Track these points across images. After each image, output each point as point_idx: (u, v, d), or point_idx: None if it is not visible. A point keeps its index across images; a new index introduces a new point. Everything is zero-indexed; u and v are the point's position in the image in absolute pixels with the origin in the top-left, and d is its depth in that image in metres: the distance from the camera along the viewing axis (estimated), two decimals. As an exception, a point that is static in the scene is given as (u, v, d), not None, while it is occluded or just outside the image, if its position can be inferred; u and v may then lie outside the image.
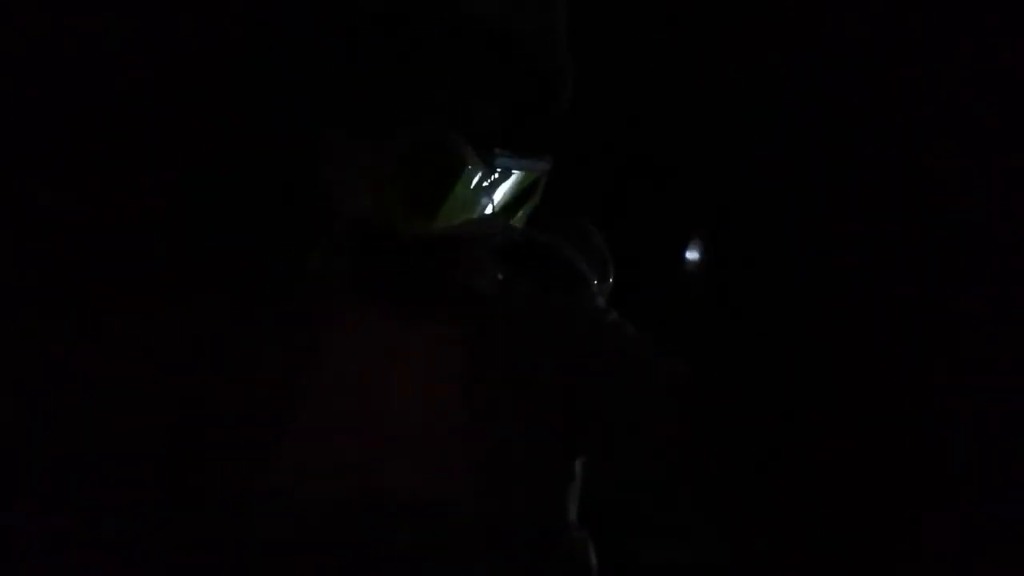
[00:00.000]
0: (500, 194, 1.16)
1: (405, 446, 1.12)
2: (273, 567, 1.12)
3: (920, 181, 1.39)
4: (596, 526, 1.17)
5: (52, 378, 1.12)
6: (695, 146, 1.48)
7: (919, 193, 1.40)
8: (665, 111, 1.50)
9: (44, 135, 1.42)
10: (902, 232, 1.39)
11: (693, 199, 1.49)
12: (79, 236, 1.39)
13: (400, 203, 1.11)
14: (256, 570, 1.12)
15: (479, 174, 1.13)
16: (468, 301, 1.18)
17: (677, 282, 1.42)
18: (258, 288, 1.21)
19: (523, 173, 1.18)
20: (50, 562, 1.17)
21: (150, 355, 1.16)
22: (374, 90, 1.16)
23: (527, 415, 1.13)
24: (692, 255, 1.47)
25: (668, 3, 1.52)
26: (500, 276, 1.20)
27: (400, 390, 1.14)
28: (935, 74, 1.39)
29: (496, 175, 1.15)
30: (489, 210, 1.15)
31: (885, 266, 1.37)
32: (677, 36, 1.49)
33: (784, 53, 1.47)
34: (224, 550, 1.13)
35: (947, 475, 1.26)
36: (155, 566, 1.16)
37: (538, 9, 1.20)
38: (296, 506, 1.10)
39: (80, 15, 1.40)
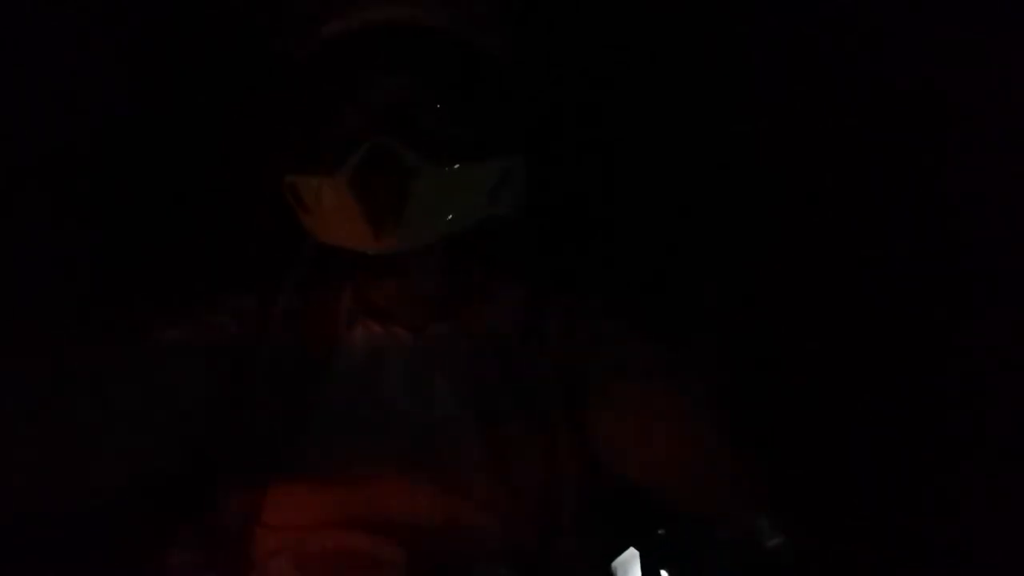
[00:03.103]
0: (467, 193, 1.15)
1: (418, 452, 1.11)
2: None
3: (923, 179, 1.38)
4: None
5: (73, 378, 1.11)
6: (685, 139, 1.46)
7: (922, 191, 1.39)
8: (646, 99, 1.48)
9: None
10: (906, 232, 1.38)
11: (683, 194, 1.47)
12: (109, 245, 1.42)
13: (364, 222, 1.11)
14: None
15: (436, 177, 1.12)
16: (469, 306, 1.19)
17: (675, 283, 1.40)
18: (270, 307, 1.22)
19: (490, 170, 1.17)
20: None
21: (166, 363, 1.16)
22: (327, 116, 1.15)
23: (532, 415, 1.13)
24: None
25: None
26: (485, 274, 1.21)
27: (411, 396, 1.14)
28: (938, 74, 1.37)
29: (458, 176, 1.14)
30: (459, 210, 1.15)
31: (888, 265, 1.37)
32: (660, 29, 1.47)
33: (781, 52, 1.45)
34: (238, 557, 1.11)
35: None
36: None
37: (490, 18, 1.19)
38: (313, 512, 1.10)
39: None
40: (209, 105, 1.46)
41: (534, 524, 1.11)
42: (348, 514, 1.09)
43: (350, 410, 1.15)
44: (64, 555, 1.18)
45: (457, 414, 1.14)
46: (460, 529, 1.09)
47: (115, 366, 1.13)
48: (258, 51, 1.34)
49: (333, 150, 1.14)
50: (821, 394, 1.32)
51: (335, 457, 1.12)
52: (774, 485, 1.23)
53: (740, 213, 1.43)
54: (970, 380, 1.30)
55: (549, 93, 1.39)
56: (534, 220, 1.26)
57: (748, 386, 1.27)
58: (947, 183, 1.36)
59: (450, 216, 1.15)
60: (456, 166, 1.15)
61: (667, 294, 1.41)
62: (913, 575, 1.21)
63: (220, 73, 1.45)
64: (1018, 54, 1.32)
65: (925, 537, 1.24)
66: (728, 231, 1.43)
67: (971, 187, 1.35)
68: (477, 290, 1.24)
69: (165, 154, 1.45)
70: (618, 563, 0.81)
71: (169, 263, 1.42)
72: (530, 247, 1.29)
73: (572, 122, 1.48)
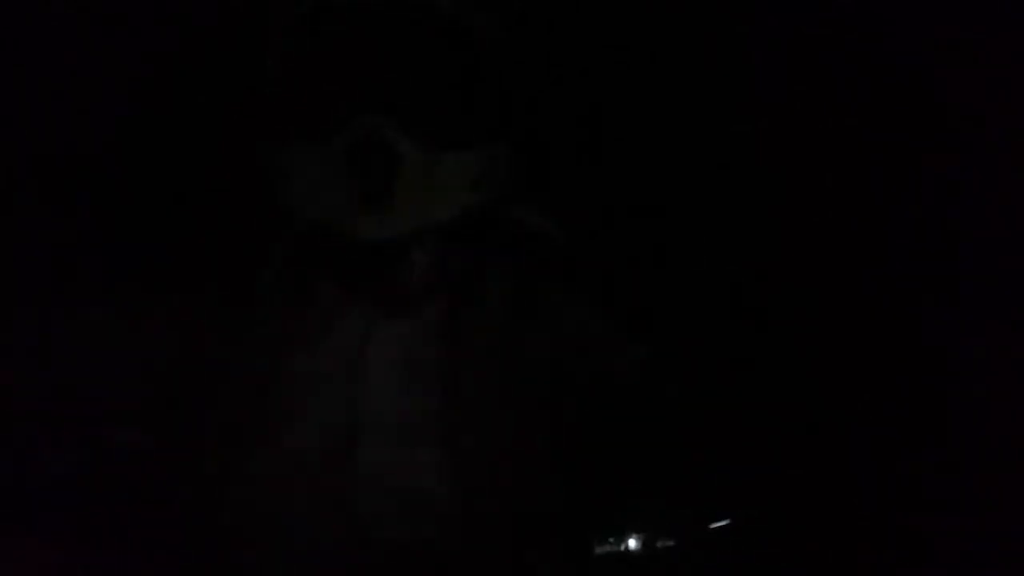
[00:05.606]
0: (453, 180, 1.16)
1: (385, 435, 1.11)
2: (253, 554, 1.11)
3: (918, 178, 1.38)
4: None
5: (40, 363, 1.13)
6: (673, 132, 1.46)
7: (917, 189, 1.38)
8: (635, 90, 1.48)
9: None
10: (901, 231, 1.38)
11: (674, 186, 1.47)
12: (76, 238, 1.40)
13: (350, 203, 1.11)
14: (237, 558, 1.12)
15: (426, 164, 1.12)
16: (441, 291, 1.19)
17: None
18: (238, 285, 1.22)
19: (476, 157, 1.17)
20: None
21: (138, 345, 1.17)
22: (313, 92, 1.15)
23: (506, 401, 1.13)
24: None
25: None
26: (469, 262, 1.20)
27: (380, 380, 1.14)
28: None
29: (446, 162, 1.15)
30: (444, 197, 1.15)
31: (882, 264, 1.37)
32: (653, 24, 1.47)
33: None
34: (203, 536, 1.13)
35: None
36: (132, 554, 1.17)
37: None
38: (276, 493, 1.10)
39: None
40: (199, 85, 1.45)
41: (507, 520, 1.12)
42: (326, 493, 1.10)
43: (333, 395, 1.15)
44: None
45: (443, 401, 1.14)
46: (439, 511, 1.10)
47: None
48: (245, 24, 1.33)
49: (322, 125, 1.14)
50: (821, 394, 1.33)
51: (316, 440, 1.12)
52: (775, 485, 1.24)
53: (739, 212, 1.43)
54: (970, 379, 1.31)
55: (543, 85, 1.39)
56: (521, 211, 1.26)
57: (747, 386, 1.27)
58: (947, 183, 1.36)
59: (436, 203, 1.15)
60: (444, 152, 1.15)
61: (662, 292, 1.41)
62: (913, 575, 1.21)
63: (208, 54, 1.45)
64: (1018, 54, 1.32)
65: (925, 537, 1.25)
66: (727, 231, 1.43)
67: (971, 187, 1.35)
68: (464, 279, 1.24)
69: (154, 140, 1.45)
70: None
71: (155, 250, 1.42)
72: (518, 238, 1.30)
73: (565, 116, 1.48)
